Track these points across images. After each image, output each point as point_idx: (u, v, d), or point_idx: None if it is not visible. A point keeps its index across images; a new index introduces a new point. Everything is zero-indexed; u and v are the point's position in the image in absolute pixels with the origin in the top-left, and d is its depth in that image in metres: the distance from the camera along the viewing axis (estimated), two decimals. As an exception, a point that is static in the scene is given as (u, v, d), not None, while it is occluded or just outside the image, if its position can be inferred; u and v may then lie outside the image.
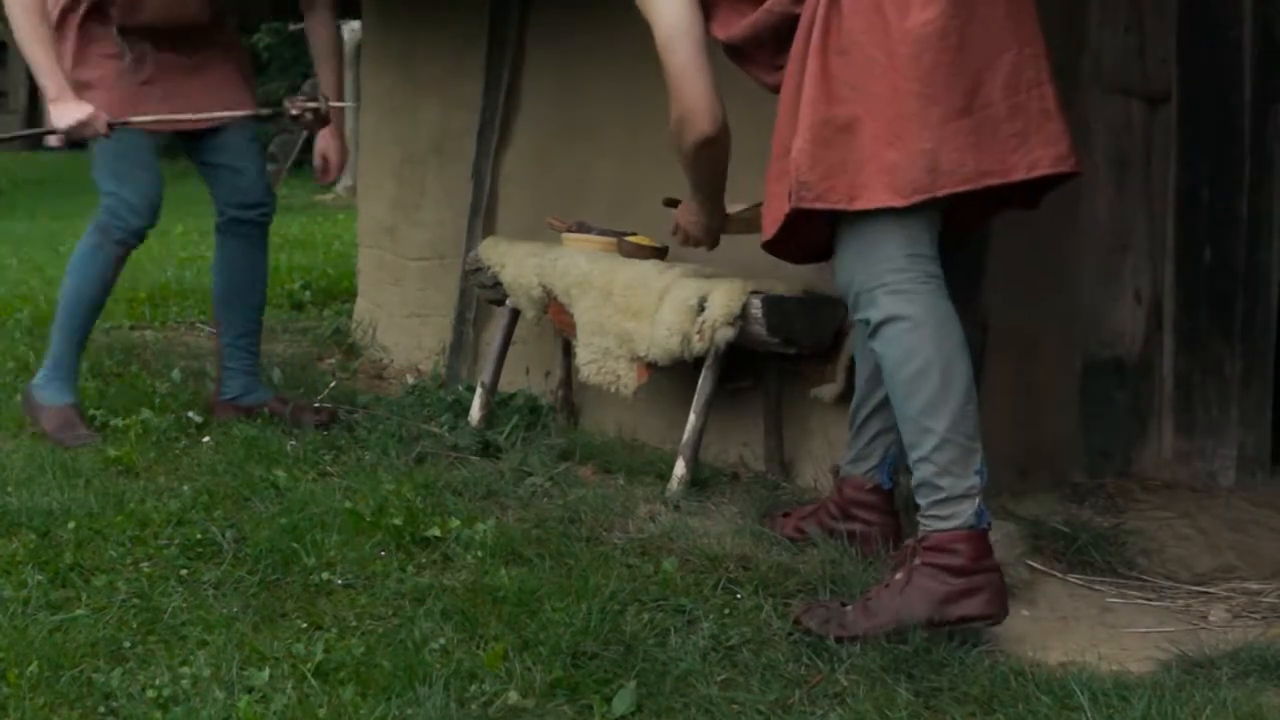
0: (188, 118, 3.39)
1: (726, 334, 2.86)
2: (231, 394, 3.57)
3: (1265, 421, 3.14)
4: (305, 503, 2.78)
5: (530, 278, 3.35)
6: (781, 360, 3.00)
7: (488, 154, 4.05)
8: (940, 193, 2.19)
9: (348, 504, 2.75)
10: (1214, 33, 3.05)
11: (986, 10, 2.22)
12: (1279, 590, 2.52)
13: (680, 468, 2.96)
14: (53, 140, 3.38)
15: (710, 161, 2.46)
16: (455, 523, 2.67)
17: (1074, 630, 2.32)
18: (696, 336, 2.89)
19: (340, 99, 3.59)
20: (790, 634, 2.20)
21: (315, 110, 3.48)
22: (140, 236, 3.43)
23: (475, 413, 3.49)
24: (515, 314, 3.52)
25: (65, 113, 3.26)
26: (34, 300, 5.65)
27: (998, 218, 2.63)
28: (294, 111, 3.47)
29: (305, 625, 2.23)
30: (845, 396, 2.83)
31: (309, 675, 2.00)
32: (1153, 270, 3.13)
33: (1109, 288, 3.12)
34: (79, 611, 2.23)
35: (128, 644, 2.12)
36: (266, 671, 2.01)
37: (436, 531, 2.63)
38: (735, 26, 2.40)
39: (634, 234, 3.31)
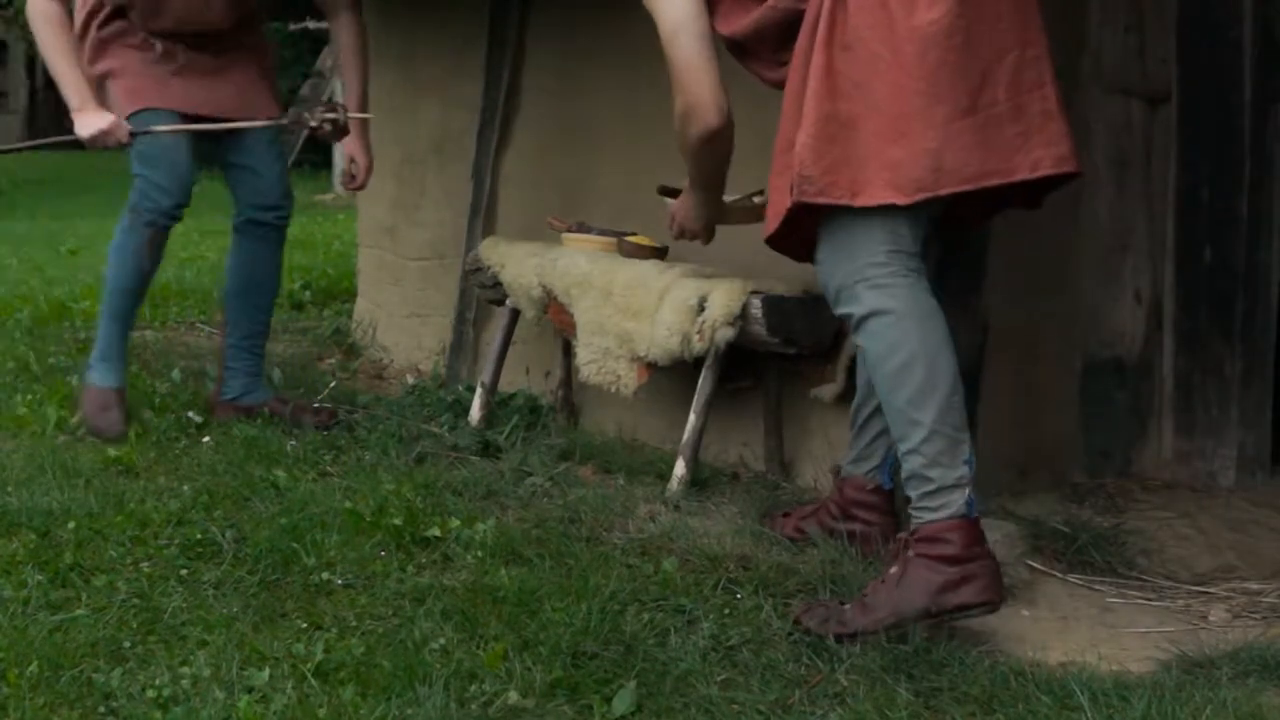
0: (208, 127, 3.39)
1: (726, 334, 2.87)
2: (232, 394, 3.57)
3: (1265, 421, 3.14)
4: (305, 503, 2.78)
5: (530, 278, 3.35)
6: (781, 360, 3.00)
7: (488, 154, 4.06)
8: (943, 191, 2.19)
9: (348, 504, 2.75)
10: (1214, 33, 3.05)
11: (992, 10, 2.22)
12: (1279, 590, 2.52)
13: (680, 468, 2.96)
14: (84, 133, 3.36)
15: (714, 155, 2.46)
16: (455, 523, 2.67)
17: (1074, 630, 2.32)
18: (696, 336, 2.89)
19: (364, 106, 3.57)
20: (790, 634, 2.20)
21: (334, 121, 3.46)
22: (171, 216, 3.37)
23: (475, 413, 3.49)
24: (515, 314, 3.52)
25: (88, 123, 3.29)
26: (34, 300, 5.65)
27: (998, 218, 2.63)
28: (313, 123, 3.46)
29: (305, 625, 2.23)
30: (845, 396, 2.83)
31: (309, 675, 2.00)
32: (1153, 270, 3.13)
33: (1109, 288, 3.12)
34: (79, 611, 2.23)
35: (128, 644, 2.12)
36: (266, 671, 2.01)
37: (436, 531, 2.63)
38: (739, 22, 2.40)
39: (634, 234, 3.31)
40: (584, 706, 1.95)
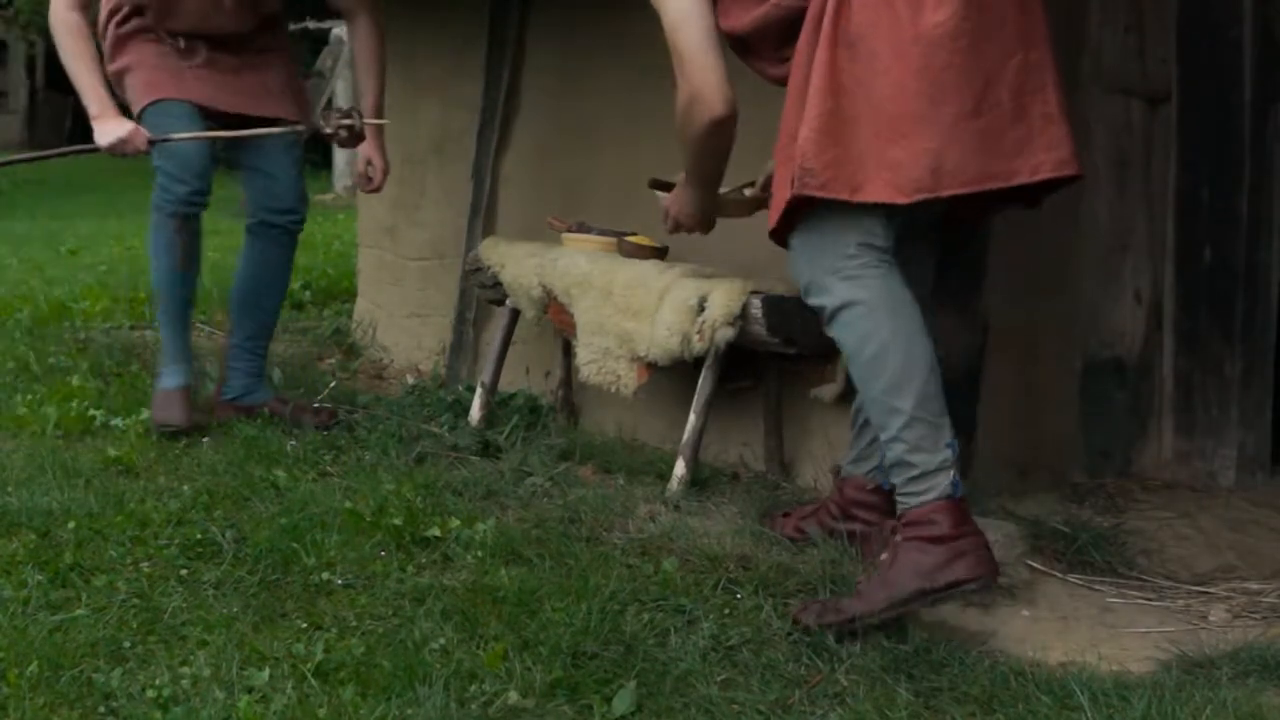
0: (224, 134, 3.38)
1: (726, 334, 2.87)
2: (233, 394, 3.57)
3: (1265, 421, 3.14)
4: (305, 503, 2.78)
5: (530, 278, 3.35)
6: (781, 360, 3.00)
7: (488, 154, 4.06)
8: (943, 193, 2.20)
9: (348, 504, 2.75)
10: (1214, 33, 3.05)
11: (997, 13, 2.23)
12: (1279, 590, 2.52)
13: (680, 468, 2.96)
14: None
15: (718, 146, 2.45)
16: (455, 523, 2.67)
17: (1074, 630, 2.32)
18: (696, 336, 2.89)
19: (380, 109, 3.56)
20: (790, 634, 2.20)
21: (350, 127, 3.45)
22: (187, 203, 3.35)
23: (475, 413, 3.49)
24: (515, 314, 3.52)
25: (107, 131, 3.30)
26: (34, 300, 5.64)
27: (998, 217, 2.63)
28: (328, 129, 3.45)
29: (305, 625, 2.23)
30: (845, 396, 2.83)
31: (309, 675, 2.00)
32: (1153, 270, 3.13)
33: (1109, 288, 3.12)
34: (79, 611, 2.23)
35: (128, 644, 2.12)
36: (266, 671, 2.01)
37: (436, 531, 2.63)
38: (742, 19, 2.40)
39: (634, 234, 3.31)
40: (584, 706, 1.95)
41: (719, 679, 2.05)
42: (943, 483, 2.21)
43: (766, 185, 2.76)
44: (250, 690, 1.96)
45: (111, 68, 3.46)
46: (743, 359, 3.00)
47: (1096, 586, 2.53)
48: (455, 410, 3.55)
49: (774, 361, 3.02)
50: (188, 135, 3.31)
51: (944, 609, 2.34)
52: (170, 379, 3.42)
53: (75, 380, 3.83)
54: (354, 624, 2.23)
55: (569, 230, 3.42)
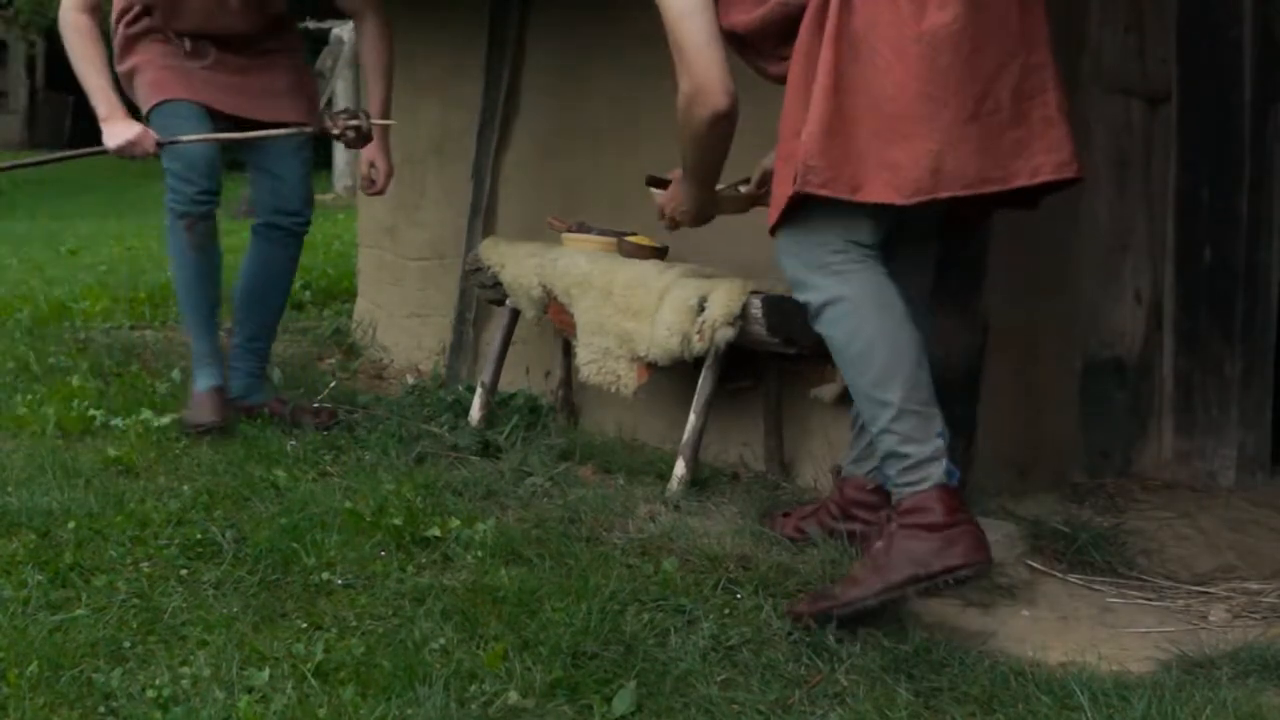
0: (232, 136, 3.38)
1: (726, 334, 2.87)
2: (233, 394, 3.57)
3: (1265, 421, 3.14)
4: (305, 503, 2.77)
5: (530, 278, 3.35)
6: (781, 360, 3.00)
7: (488, 154, 4.06)
8: (941, 195, 2.21)
9: (348, 504, 2.75)
10: (1214, 33, 3.05)
11: (999, 15, 2.23)
12: (1279, 590, 2.52)
13: (680, 468, 2.96)
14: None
15: (719, 141, 2.45)
16: (455, 523, 2.67)
17: (1074, 630, 2.32)
18: (696, 336, 2.89)
19: (387, 111, 3.55)
20: (790, 634, 2.20)
21: (357, 128, 3.44)
22: (196, 202, 3.34)
23: (475, 413, 3.49)
24: (515, 314, 3.52)
25: (115, 133, 3.30)
26: (34, 300, 5.65)
27: (998, 217, 2.63)
28: (335, 130, 3.44)
29: (305, 625, 2.23)
30: (845, 396, 2.83)
31: (309, 675, 2.00)
32: (1153, 270, 3.13)
33: (1109, 288, 3.12)
34: (79, 611, 2.23)
35: (128, 644, 2.12)
36: (266, 671, 2.01)
37: (436, 531, 2.63)
38: (744, 17, 2.40)
39: (634, 234, 3.31)
40: (584, 706, 1.95)
41: (719, 679, 2.05)
42: (936, 471, 2.23)
43: (762, 182, 2.76)
44: (250, 690, 1.96)
45: (120, 68, 3.47)
46: (743, 359, 3.00)
47: (1096, 586, 2.53)
48: (455, 410, 3.55)
49: (774, 361, 3.02)
50: (196, 137, 3.31)
51: (944, 609, 2.34)
52: (202, 380, 3.41)
53: (75, 380, 3.83)
54: (354, 624, 2.23)
55: (569, 230, 3.42)
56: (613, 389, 3.11)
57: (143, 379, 3.93)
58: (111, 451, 3.13)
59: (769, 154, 2.63)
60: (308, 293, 6.05)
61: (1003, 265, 2.87)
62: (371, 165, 3.62)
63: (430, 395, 3.73)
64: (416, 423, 3.45)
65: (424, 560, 2.53)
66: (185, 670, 2.03)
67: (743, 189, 2.80)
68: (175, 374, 3.96)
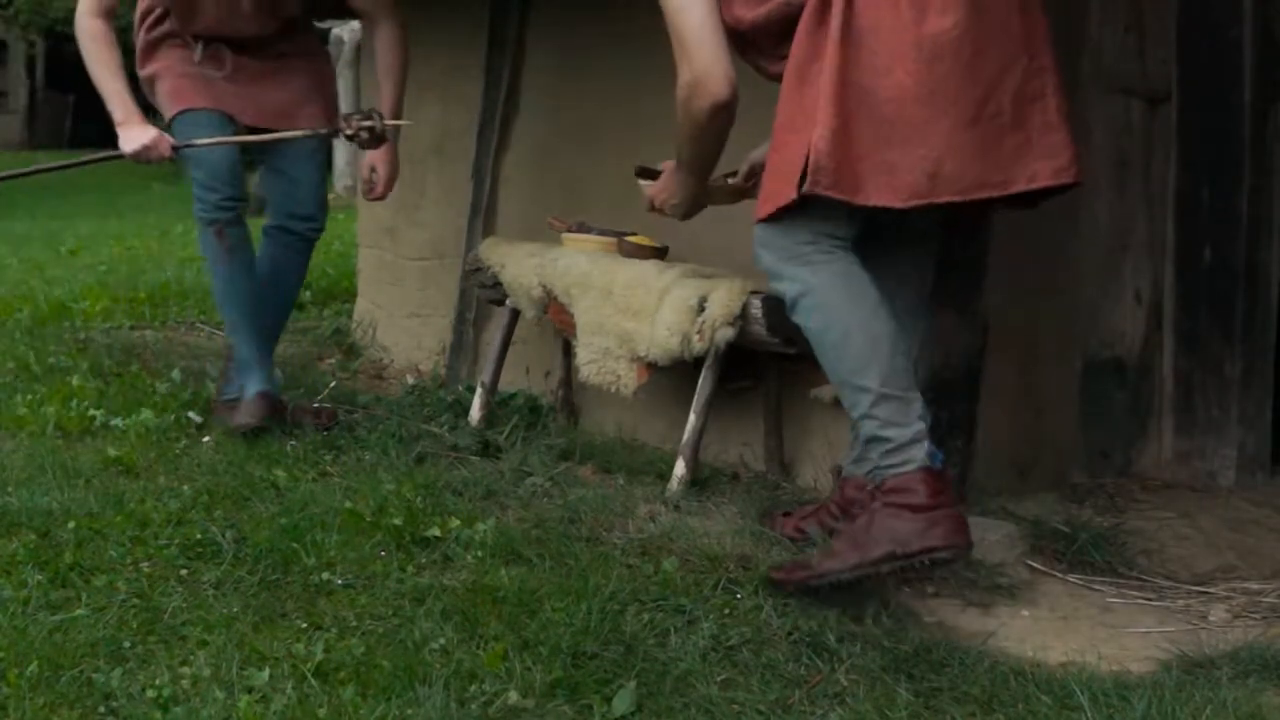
0: (245, 140, 3.37)
1: (726, 334, 2.87)
2: (234, 394, 3.57)
3: (1265, 421, 3.14)
4: (305, 503, 2.77)
5: (530, 278, 3.35)
6: (781, 360, 2.99)
7: (488, 154, 4.05)
8: (939, 199, 2.23)
9: (348, 504, 2.75)
10: (1214, 33, 3.05)
11: (1001, 19, 2.23)
12: (1279, 590, 2.52)
13: (680, 468, 2.96)
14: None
15: (719, 131, 2.45)
16: (455, 523, 2.67)
17: (1074, 630, 2.32)
18: (696, 336, 2.89)
19: (398, 113, 3.54)
20: (790, 634, 2.20)
21: (370, 129, 3.42)
22: (221, 209, 3.34)
23: (475, 413, 3.49)
24: (515, 314, 3.52)
25: (131, 137, 3.31)
26: (34, 300, 5.65)
27: (998, 218, 2.64)
28: (349, 131, 3.42)
29: (305, 625, 2.23)
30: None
31: (309, 675, 2.00)
32: (1153, 270, 3.13)
33: (1109, 288, 3.12)
34: (79, 611, 2.23)
35: (128, 644, 2.12)
36: (266, 671, 2.01)
37: (436, 531, 2.63)
38: (746, 14, 2.40)
39: (634, 234, 3.31)
40: (584, 706, 1.95)
41: (719, 679, 2.05)
42: (919, 454, 2.25)
43: (750, 175, 2.77)
44: (250, 690, 1.96)
45: (142, 73, 3.48)
46: (743, 359, 3.00)
47: (1096, 586, 2.53)
48: (455, 410, 3.55)
49: (774, 361, 3.02)
50: (211, 141, 3.31)
51: (944, 609, 2.35)
52: (251, 385, 3.40)
53: (75, 380, 3.83)
54: (354, 624, 2.23)
55: (569, 230, 3.42)
56: (613, 389, 3.11)
57: (143, 379, 3.93)
58: (111, 451, 3.13)
59: (759, 147, 2.63)
60: (308, 293, 6.04)
61: (1003, 265, 2.87)
62: (373, 170, 3.60)
63: (430, 395, 3.73)
64: (416, 423, 3.45)
65: (424, 560, 2.53)
66: (185, 670, 2.03)
67: (730, 181, 2.79)
68: (175, 374, 3.96)
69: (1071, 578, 2.56)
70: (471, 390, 3.62)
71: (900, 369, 2.29)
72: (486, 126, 4.06)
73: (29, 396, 3.66)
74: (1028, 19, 2.28)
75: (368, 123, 3.42)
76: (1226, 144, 3.06)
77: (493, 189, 4.06)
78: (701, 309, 2.89)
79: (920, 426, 2.27)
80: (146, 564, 2.47)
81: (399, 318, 4.55)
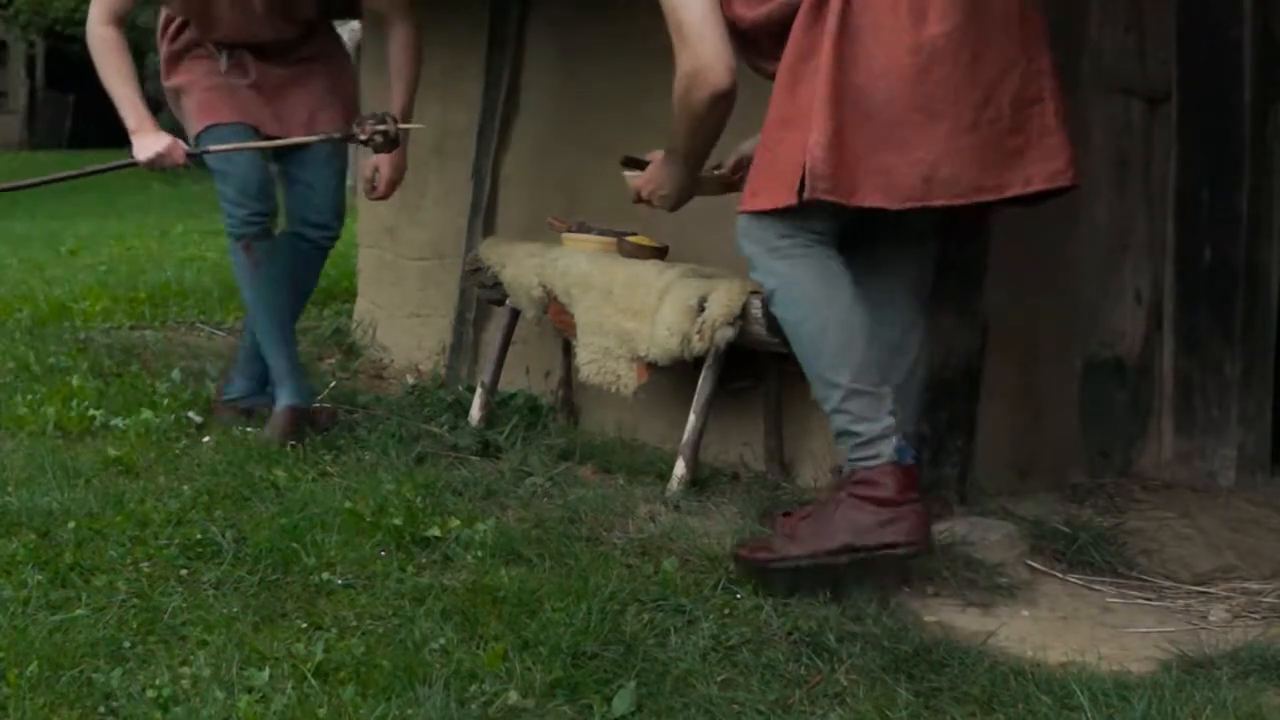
0: (259, 145, 3.36)
1: (726, 334, 2.87)
2: (235, 395, 3.56)
3: (1265, 421, 3.14)
4: (305, 503, 2.77)
5: (530, 278, 3.35)
6: (781, 360, 2.99)
7: (488, 154, 4.06)
8: (933, 203, 2.24)
9: (348, 504, 2.75)
10: (1214, 33, 3.05)
11: (1000, 22, 2.23)
12: (1279, 590, 2.52)
13: (680, 468, 2.96)
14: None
15: (717, 120, 2.46)
16: (455, 523, 2.67)
17: (1074, 630, 2.32)
18: (696, 336, 2.89)
19: (408, 115, 3.53)
20: (790, 634, 2.20)
21: (384, 133, 3.40)
22: (249, 224, 3.34)
23: (475, 413, 3.49)
24: (515, 314, 3.52)
25: (145, 145, 3.31)
26: (34, 300, 5.65)
27: (998, 217, 2.64)
28: (362, 136, 3.40)
29: (305, 625, 2.23)
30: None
31: (309, 675, 2.00)
32: (1153, 270, 3.13)
33: (1109, 288, 3.12)
34: (79, 611, 2.22)
35: (128, 644, 2.12)
36: (266, 671, 2.01)
37: (436, 531, 2.63)
38: (747, 14, 2.40)
39: (634, 234, 3.31)
40: (584, 706, 1.95)
41: (719, 679, 2.05)
42: (887, 449, 2.29)
43: (738, 167, 2.77)
44: (250, 690, 1.96)
45: (167, 84, 3.48)
46: (743, 359, 3.00)
47: (1096, 586, 2.53)
48: (455, 410, 3.55)
49: (774, 361, 3.02)
50: (225, 147, 3.31)
51: (944, 609, 2.35)
52: (282, 398, 3.40)
53: (75, 380, 3.83)
54: (354, 624, 2.23)
55: (569, 230, 3.42)
56: (613, 389, 3.11)
57: (143, 379, 3.93)
58: (111, 451, 3.13)
59: (749, 139, 2.63)
60: (308, 292, 6.05)
61: (1003, 265, 2.87)
62: (375, 170, 3.60)
63: (430, 395, 3.73)
64: (416, 423, 3.45)
65: (424, 560, 2.53)
66: (185, 670, 2.03)
67: (716, 172, 2.79)
68: (175, 374, 3.96)
69: (1071, 578, 2.56)
70: (471, 390, 3.63)
71: (873, 364, 2.32)
72: (486, 126, 4.06)
73: (29, 396, 3.66)
74: (1026, 21, 2.28)
75: (381, 126, 3.41)
76: (1226, 144, 3.05)
77: (493, 189, 4.06)
78: (701, 309, 2.89)
79: (889, 422, 2.31)
80: (146, 564, 2.47)
81: (399, 318, 4.56)
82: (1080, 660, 2.16)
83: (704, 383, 2.97)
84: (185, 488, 2.89)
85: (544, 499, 2.90)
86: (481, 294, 3.74)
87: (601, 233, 3.36)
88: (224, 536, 2.58)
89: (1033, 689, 2.00)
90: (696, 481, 2.97)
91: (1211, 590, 2.53)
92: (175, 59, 3.46)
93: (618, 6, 3.51)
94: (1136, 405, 3.15)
